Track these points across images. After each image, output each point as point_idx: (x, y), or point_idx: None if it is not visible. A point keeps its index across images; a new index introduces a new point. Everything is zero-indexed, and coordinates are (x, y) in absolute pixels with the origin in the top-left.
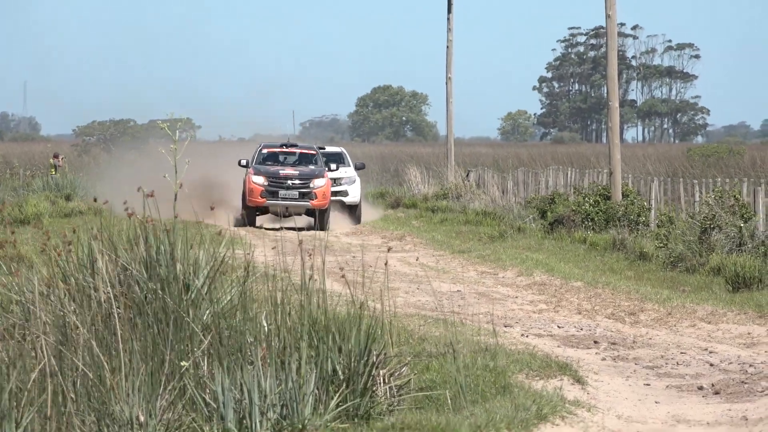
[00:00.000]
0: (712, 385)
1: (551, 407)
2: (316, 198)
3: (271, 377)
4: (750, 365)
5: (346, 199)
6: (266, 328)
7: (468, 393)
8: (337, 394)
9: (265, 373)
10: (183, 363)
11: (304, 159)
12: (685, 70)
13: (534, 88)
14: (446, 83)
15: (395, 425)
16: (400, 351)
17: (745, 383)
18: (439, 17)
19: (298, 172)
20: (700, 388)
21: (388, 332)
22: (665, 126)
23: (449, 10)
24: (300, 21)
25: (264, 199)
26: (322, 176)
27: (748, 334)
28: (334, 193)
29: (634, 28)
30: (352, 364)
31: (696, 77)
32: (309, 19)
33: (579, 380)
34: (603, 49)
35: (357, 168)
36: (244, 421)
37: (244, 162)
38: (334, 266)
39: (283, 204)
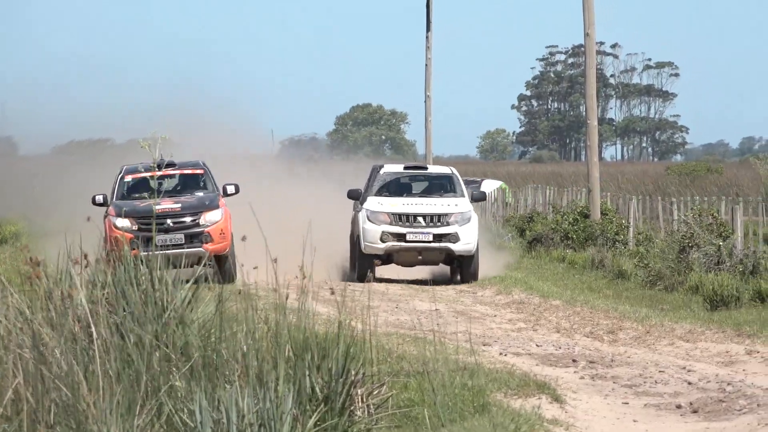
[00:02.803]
0: (691, 404)
1: (529, 426)
2: (211, 240)
3: (249, 396)
4: (728, 384)
5: (455, 247)
6: (244, 347)
7: (446, 412)
8: (315, 413)
9: (242, 392)
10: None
11: (188, 183)
12: (664, 89)
13: (513, 106)
14: (425, 101)
15: None
16: (379, 370)
17: (723, 402)
18: (418, 36)
19: (179, 205)
20: (679, 406)
21: (371, 351)
22: (644, 144)
23: (428, 29)
24: (277, 39)
25: (134, 251)
26: (217, 205)
27: (726, 352)
28: (437, 238)
29: (614, 46)
30: (331, 383)
31: (675, 95)
32: (286, 38)
33: (557, 399)
34: (582, 68)
35: (475, 199)
36: None
37: (100, 198)
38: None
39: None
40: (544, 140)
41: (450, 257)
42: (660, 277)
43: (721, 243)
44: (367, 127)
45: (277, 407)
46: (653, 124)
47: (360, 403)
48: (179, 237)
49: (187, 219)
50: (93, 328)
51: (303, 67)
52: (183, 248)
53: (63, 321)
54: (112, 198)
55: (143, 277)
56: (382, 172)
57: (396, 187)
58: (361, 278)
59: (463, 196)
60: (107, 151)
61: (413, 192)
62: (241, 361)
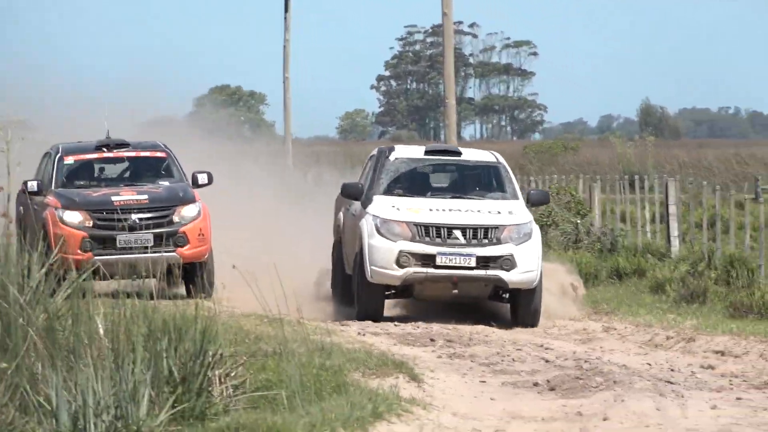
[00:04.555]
0: (548, 381)
1: (387, 405)
2: (188, 243)
3: (105, 378)
4: (585, 361)
5: (510, 277)
6: (101, 329)
7: (304, 392)
8: (173, 395)
9: (99, 374)
10: (4, 364)
11: (145, 169)
12: (522, 68)
13: (372, 86)
14: (284, 82)
15: (230, 425)
16: (236, 351)
17: (580, 379)
18: (276, 16)
19: (146, 196)
20: (536, 384)
21: (225, 332)
22: (503, 123)
23: (286, 9)
24: (132, 20)
25: (87, 254)
26: (193, 198)
27: (584, 329)
28: (483, 262)
29: (472, 26)
30: (188, 364)
31: (533, 74)
32: (142, 17)
33: (415, 378)
34: (441, 48)
35: (534, 202)
36: (78, 423)
37: (34, 185)
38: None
39: (125, 260)
40: (403, 120)
41: (499, 291)
42: None
43: (578, 221)
44: (227, 109)
45: (134, 389)
46: (512, 103)
47: (218, 384)
48: (147, 238)
49: (157, 215)
50: None
51: (159, 49)
52: (150, 252)
53: None
54: (50, 185)
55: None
56: (392, 157)
57: (415, 182)
58: (367, 317)
59: (516, 197)
60: None
61: (439, 189)
62: (98, 343)
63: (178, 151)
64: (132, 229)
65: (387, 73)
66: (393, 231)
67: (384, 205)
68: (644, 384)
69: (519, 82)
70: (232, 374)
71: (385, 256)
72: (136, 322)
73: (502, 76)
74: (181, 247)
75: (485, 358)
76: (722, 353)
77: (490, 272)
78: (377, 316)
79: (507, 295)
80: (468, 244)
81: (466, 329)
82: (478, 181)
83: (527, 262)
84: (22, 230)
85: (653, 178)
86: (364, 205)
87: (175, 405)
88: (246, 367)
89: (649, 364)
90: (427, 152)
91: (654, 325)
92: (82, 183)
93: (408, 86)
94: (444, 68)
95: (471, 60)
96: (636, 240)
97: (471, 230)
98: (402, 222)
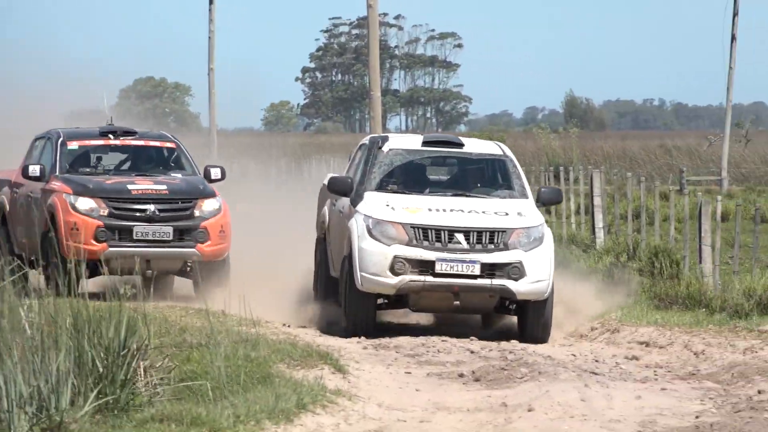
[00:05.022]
0: (473, 372)
1: (312, 396)
2: (208, 239)
3: (28, 370)
4: (510, 352)
5: (518, 287)
6: (24, 321)
7: (229, 383)
8: (97, 387)
9: (22, 366)
10: None
11: (151, 160)
12: (447, 59)
13: (297, 78)
14: (209, 74)
15: (155, 417)
16: (161, 342)
17: (505, 370)
18: (201, 8)
19: (164, 186)
20: (461, 375)
21: (149, 324)
22: (428, 115)
23: (211, 1)
24: (53, 11)
25: (102, 244)
26: (213, 193)
27: (509, 321)
28: (488, 270)
29: (397, 17)
30: (111, 356)
31: (459, 66)
32: (64, 8)
33: (340, 369)
34: (366, 39)
35: (544, 201)
36: (2, 416)
37: (36, 170)
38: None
39: (142, 253)
40: (328, 112)
41: (506, 302)
42: None
43: None
44: (151, 100)
45: (58, 381)
46: (437, 95)
47: (142, 376)
48: (166, 231)
49: (178, 207)
50: None
51: (83, 42)
52: (169, 247)
53: None
54: (53, 171)
55: None
56: (386, 148)
57: (411, 177)
58: (357, 331)
59: (525, 195)
60: None
61: (438, 185)
62: (22, 335)
63: None
64: (151, 220)
65: (312, 65)
66: (387, 233)
67: (377, 204)
68: (569, 375)
69: (444, 74)
70: (157, 366)
71: (377, 262)
72: (61, 314)
73: (428, 68)
74: (202, 243)
75: (410, 349)
76: (647, 344)
77: (497, 281)
78: (368, 330)
79: (514, 307)
80: (471, 250)
81: (391, 320)
82: (482, 177)
83: (538, 271)
84: (10, 222)
85: (578, 170)
86: (354, 203)
87: (100, 397)
88: (171, 359)
89: (574, 355)
90: (425, 143)
91: (578, 316)
92: (87, 170)
93: (333, 78)
94: (369, 60)
95: (396, 52)
96: (561, 231)
97: (475, 234)
98: (397, 223)
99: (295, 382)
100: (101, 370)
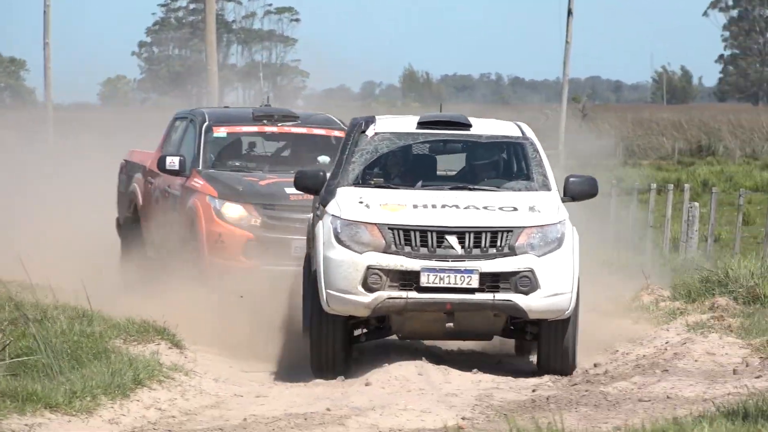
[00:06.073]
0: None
1: (148, 372)
2: None
3: None
4: None
5: (529, 302)
6: None
7: (65, 359)
8: None
9: None
10: None
11: (312, 151)
12: (285, 34)
13: (133, 53)
14: (44, 48)
15: None
16: None
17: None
18: None
19: None
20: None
21: None
22: (266, 89)
23: None
24: None
25: (251, 262)
26: None
27: None
28: (490, 282)
29: None
30: None
31: (296, 41)
32: None
33: (177, 345)
34: (203, 14)
35: (574, 194)
36: None
37: (175, 163)
38: None
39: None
40: (165, 87)
41: (516, 324)
42: None
43: None
44: None
45: None
46: (274, 70)
47: None
48: None
49: None
50: None
51: None
52: None
53: None
54: (195, 164)
55: None
56: (370, 132)
57: (401, 168)
58: (324, 368)
59: (547, 187)
60: None
61: (436, 177)
62: None
63: None
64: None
65: (149, 40)
66: (358, 238)
67: (349, 201)
68: (406, 351)
69: (282, 48)
70: None
71: (346, 275)
72: None
73: (265, 43)
74: None
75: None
76: None
77: (501, 296)
78: (336, 367)
79: (530, 330)
80: (467, 256)
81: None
82: (494, 165)
83: (555, 281)
84: (144, 218)
85: None
86: (324, 202)
87: None
88: (6, 334)
89: None
90: (421, 124)
91: None
92: (237, 164)
93: (170, 53)
94: (206, 35)
95: (234, 26)
96: None
97: (471, 235)
98: (372, 224)
99: (132, 358)
100: None
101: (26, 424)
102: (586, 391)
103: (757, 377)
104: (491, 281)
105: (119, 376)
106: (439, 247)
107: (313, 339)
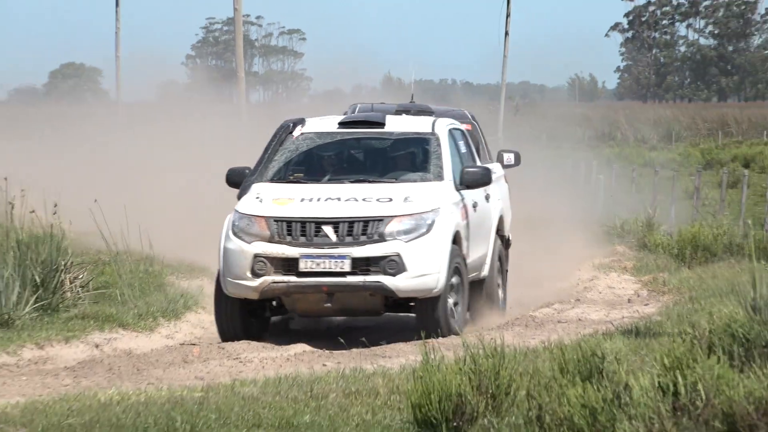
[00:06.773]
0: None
1: (194, 300)
2: None
3: None
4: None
5: (396, 283)
6: None
7: (133, 290)
8: (35, 294)
9: None
10: None
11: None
12: (294, 49)
13: (182, 63)
14: (116, 60)
15: (78, 315)
16: (82, 260)
17: None
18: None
19: None
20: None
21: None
22: (280, 91)
23: (117, 3)
24: None
25: None
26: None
27: None
28: (361, 266)
29: (258, 18)
30: (46, 270)
31: (303, 54)
32: None
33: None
34: (233, 34)
35: (468, 183)
36: None
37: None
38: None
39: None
40: (205, 89)
41: (392, 300)
42: None
43: None
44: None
45: (6, 289)
46: (286, 76)
47: (69, 285)
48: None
49: None
50: None
51: None
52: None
53: None
54: None
55: None
56: (296, 132)
57: (315, 164)
58: (226, 336)
59: (440, 177)
60: None
61: (343, 172)
62: None
63: None
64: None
65: (193, 53)
66: (248, 230)
67: (251, 197)
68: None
69: (292, 60)
70: (80, 278)
71: (238, 263)
72: (7, 238)
73: (279, 56)
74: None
75: None
76: None
77: (371, 278)
78: (236, 339)
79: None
80: (341, 243)
81: None
82: (402, 159)
83: (422, 263)
84: None
85: None
86: (239, 197)
87: (37, 301)
88: (90, 273)
89: None
90: (341, 124)
91: None
92: None
93: (209, 63)
94: (236, 49)
95: (256, 43)
96: None
97: (345, 225)
98: (260, 217)
99: (182, 289)
100: (38, 280)
101: (105, 338)
102: (520, 314)
103: (646, 305)
104: (363, 265)
105: (173, 303)
106: (316, 236)
107: (217, 318)
